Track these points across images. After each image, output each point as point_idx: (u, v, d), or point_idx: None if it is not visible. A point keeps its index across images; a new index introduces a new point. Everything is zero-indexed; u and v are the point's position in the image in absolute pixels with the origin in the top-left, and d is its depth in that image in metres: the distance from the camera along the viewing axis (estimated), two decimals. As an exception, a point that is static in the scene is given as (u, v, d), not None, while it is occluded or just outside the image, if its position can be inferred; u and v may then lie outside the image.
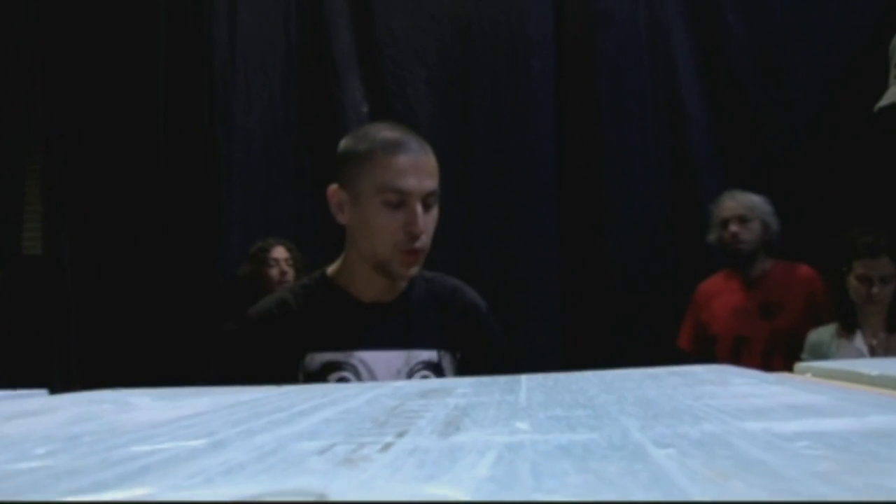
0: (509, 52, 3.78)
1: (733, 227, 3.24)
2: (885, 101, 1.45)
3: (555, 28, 3.88)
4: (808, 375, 0.95)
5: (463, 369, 1.60)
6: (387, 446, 0.46)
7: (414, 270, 1.56)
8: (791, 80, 3.69)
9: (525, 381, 0.97)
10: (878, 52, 3.47)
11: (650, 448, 0.41)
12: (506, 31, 3.86)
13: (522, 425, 0.53)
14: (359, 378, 1.50)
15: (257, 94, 3.80)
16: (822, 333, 2.86)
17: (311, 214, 3.72)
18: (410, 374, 1.54)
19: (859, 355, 2.71)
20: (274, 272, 3.28)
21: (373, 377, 1.51)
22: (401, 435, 0.51)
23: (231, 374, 1.57)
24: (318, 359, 1.51)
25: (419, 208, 1.51)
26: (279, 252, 3.33)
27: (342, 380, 1.49)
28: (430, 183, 1.53)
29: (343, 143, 1.62)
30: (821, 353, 2.82)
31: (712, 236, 3.34)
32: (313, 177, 3.74)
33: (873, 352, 2.71)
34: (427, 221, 1.52)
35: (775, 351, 3.06)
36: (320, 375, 1.50)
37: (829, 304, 3.02)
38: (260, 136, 3.79)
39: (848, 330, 2.80)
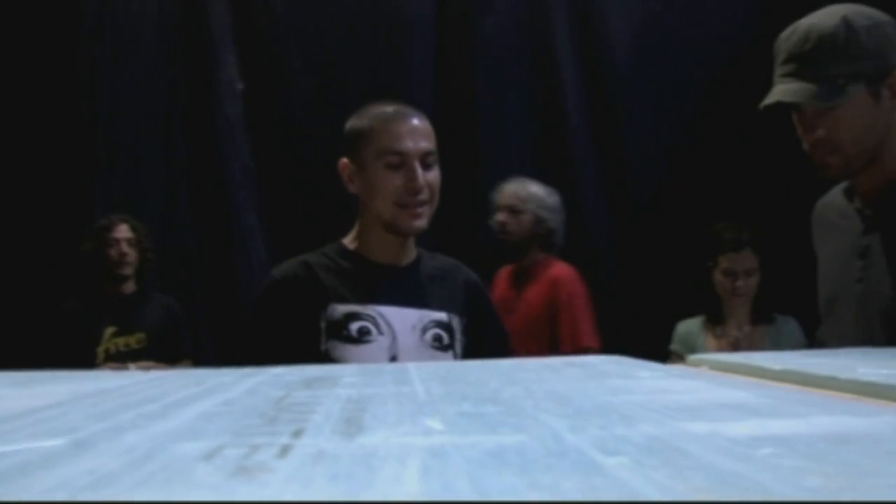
0: (389, 32, 3.70)
1: (501, 217, 3.11)
2: (769, 99, 1.46)
3: (435, 10, 3.83)
4: (704, 368, 0.93)
5: (467, 336, 1.72)
6: (284, 450, 0.39)
7: (421, 223, 1.66)
8: (667, 76, 3.76)
9: (414, 369, 0.91)
10: (753, 53, 3.60)
11: (596, 455, 0.35)
12: (386, 11, 3.78)
13: (434, 423, 0.47)
14: (378, 329, 1.61)
15: (128, 68, 3.59)
16: (691, 324, 2.93)
17: (183, 190, 3.55)
18: (424, 331, 1.65)
19: (727, 346, 2.78)
20: (113, 252, 3.08)
21: (391, 329, 1.62)
22: (297, 434, 0.44)
23: (259, 332, 1.69)
24: (340, 309, 1.62)
25: (418, 167, 1.63)
26: (122, 231, 3.13)
27: (363, 329, 1.61)
28: (427, 144, 1.66)
29: (348, 123, 1.75)
30: (690, 344, 2.89)
31: (491, 221, 3.20)
32: (186, 153, 3.57)
33: (738, 344, 2.80)
34: (428, 178, 1.65)
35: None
36: (342, 324, 1.61)
37: (576, 308, 3.01)
38: (131, 110, 3.58)
39: (715, 323, 2.88)
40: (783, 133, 2.95)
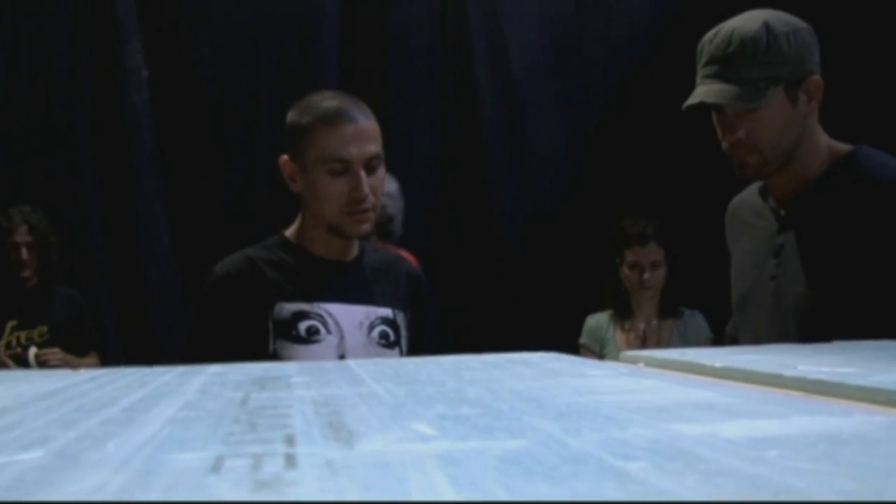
0: (298, 21, 3.64)
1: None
2: (693, 99, 1.51)
3: (344, 4, 3.78)
4: (641, 365, 0.95)
5: (410, 331, 1.70)
6: (290, 460, 0.38)
7: (366, 228, 1.63)
8: (576, 73, 3.81)
9: (357, 367, 0.90)
10: (661, 52, 3.69)
11: (614, 461, 0.36)
12: (297, 2, 3.72)
13: (423, 428, 0.46)
14: (326, 328, 1.58)
15: (31, 54, 3.42)
16: (599, 318, 3.00)
17: (88, 179, 3.41)
18: (371, 329, 1.63)
19: (635, 340, 2.86)
20: (12, 256, 2.96)
21: (339, 328, 1.59)
22: (290, 442, 0.43)
23: (203, 333, 1.62)
24: (287, 308, 1.58)
25: (362, 173, 1.58)
26: (21, 234, 2.98)
27: (311, 328, 1.57)
28: (372, 148, 1.60)
29: (289, 116, 1.67)
30: (599, 337, 2.96)
31: None
32: (91, 141, 3.42)
33: (646, 337, 2.88)
34: (372, 183, 1.60)
35: None
36: (290, 324, 1.57)
37: None
38: (34, 97, 3.42)
39: (623, 316, 2.95)
40: (690, 130, 3.05)
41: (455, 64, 3.82)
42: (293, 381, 0.76)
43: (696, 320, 2.92)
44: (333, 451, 0.40)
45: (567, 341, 2.95)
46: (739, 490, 0.30)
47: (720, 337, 2.79)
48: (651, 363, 0.95)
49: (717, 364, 0.81)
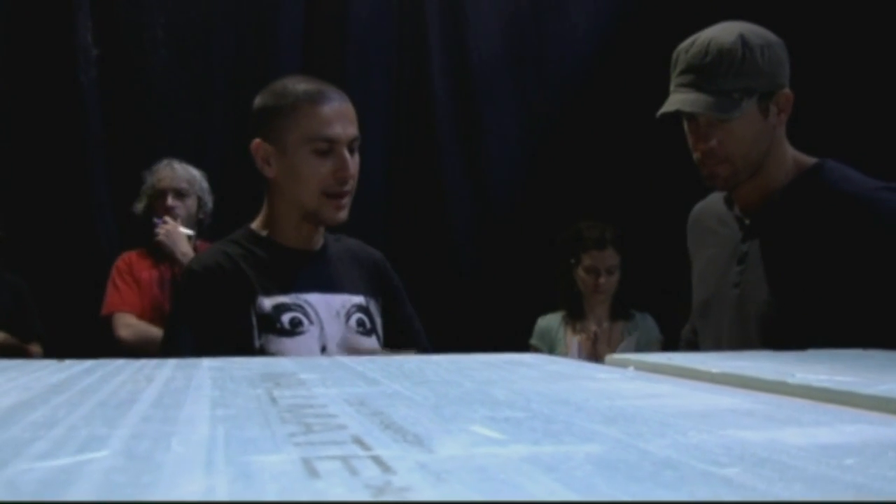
0: (255, 9, 3.59)
1: (170, 201, 2.98)
2: (668, 107, 1.53)
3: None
4: (631, 368, 0.97)
5: (383, 318, 1.69)
6: (379, 462, 0.38)
7: (343, 215, 1.62)
8: (533, 72, 3.84)
9: (356, 364, 0.90)
10: (618, 53, 3.74)
11: (706, 466, 0.37)
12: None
13: (486, 431, 0.47)
14: (308, 319, 1.57)
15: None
16: (551, 320, 3.03)
17: (31, 160, 3.30)
18: (348, 317, 1.62)
19: (586, 342, 2.89)
20: None
21: (318, 318, 1.58)
22: (362, 444, 0.42)
23: (187, 328, 1.58)
24: (267, 302, 1.56)
25: (346, 153, 1.58)
26: None
27: (295, 320, 1.56)
28: (354, 129, 1.61)
29: (261, 99, 1.65)
30: (549, 339, 2.99)
31: (140, 205, 3.06)
32: (37, 120, 3.32)
33: (597, 338, 2.91)
34: (353, 167, 1.59)
35: None
36: (273, 317, 1.55)
37: None
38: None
39: (575, 318, 2.98)
40: (643, 132, 3.08)
41: (411, 60, 3.82)
42: (304, 377, 0.75)
43: (647, 323, 2.98)
44: (416, 454, 0.40)
45: (517, 341, 2.98)
46: (849, 496, 0.31)
47: (670, 340, 2.86)
48: (641, 367, 0.96)
49: (714, 370, 0.83)
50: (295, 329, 1.55)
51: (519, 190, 3.81)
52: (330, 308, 1.60)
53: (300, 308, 1.57)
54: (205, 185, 3.08)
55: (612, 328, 2.95)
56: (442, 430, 0.47)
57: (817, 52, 2.80)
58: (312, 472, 0.35)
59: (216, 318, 1.54)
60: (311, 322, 1.57)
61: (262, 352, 1.51)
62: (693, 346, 1.79)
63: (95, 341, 2.84)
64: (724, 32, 1.50)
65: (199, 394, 0.62)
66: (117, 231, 3.35)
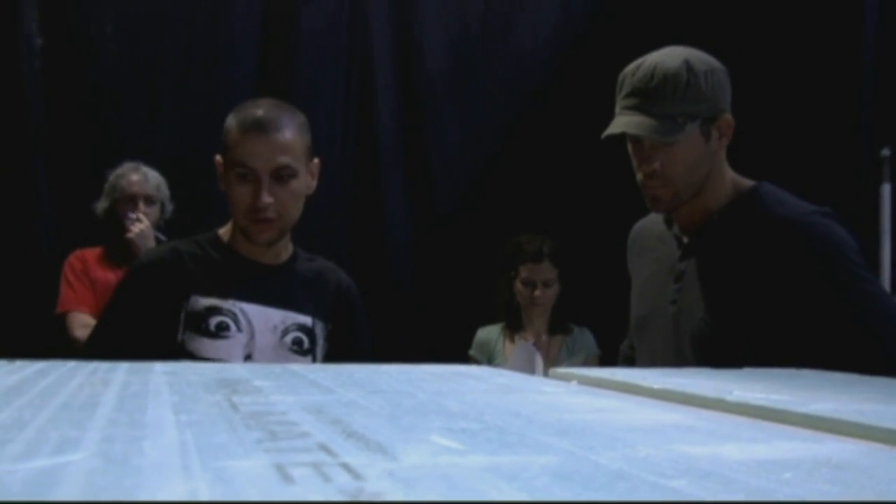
0: (208, 9, 3.57)
1: (142, 207, 2.97)
2: (614, 129, 1.58)
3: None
4: (574, 382, 1.00)
5: (332, 342, 1.73)
6: (349, 470, 0.39)
7: (268, 237, 1.66)
8: (477, 88, 3.89)
9: (307, 372, 0.91)
10: (561, 71, 3.80)
11: (655, 479, 0.39)
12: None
13: (445, 441, 0.49)
14: (237, 325, 1.61)
15: None
16: (490, 332, 3.07)
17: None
18: (285, 333, 1.66)
19: (526, 354, 2.93)
20: None
21: (250, 327, 1.63)
22: (329, 452, 0.44)
23: (118, 314, 1.66)
24: (201, 301, 1.62)
25: (266, 183, 1.62)
26: None
27: (221, 324, 1.60)
28: (283, 159, 1.63)
29: (228, 117, 1.72)
30: (489, 350, 3.02)
31: (103, 206, 3.04)
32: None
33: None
34: (279, 193, 1.63)
35: None
36: (202, 317, 1.60)
37: None
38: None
39: (513, 330, 3.03)
40: (589, 152, 3.14)
41: (359, 73, 3.83)
42: (259, 384, 0.76)
43: (585, 337, 3.03)
44: (381, 462, 0.42)
45: (456, 352, 3.01)
46: (789, 510, 0.34)
47: (608, 355, 2.92)
48: (584, 381, 0.99)
49: (655, 386, 0.86)
50: (219, 333, 1.60)
51: (461, 204, 3.85)
52: (267, 321, 1.65)
53: (232, 314, 1.63)
54: (167, 191, 3.08)
55: (550, 341, 3.00)
56: (402, 440, 0.49)
57: (757, 75, 2.90)
58: (287, 478, 0.37)
59: (146, 309, 1.62)
60: (238, 329, 1.63)
61: (182, 347, 1.57)
62: (630, 361, 1.84)
63: (34, 340, 2.79)
64: (669, 58, 1.55)
65: (158, 399, 0.63)
66: (57, 228, 3.30)
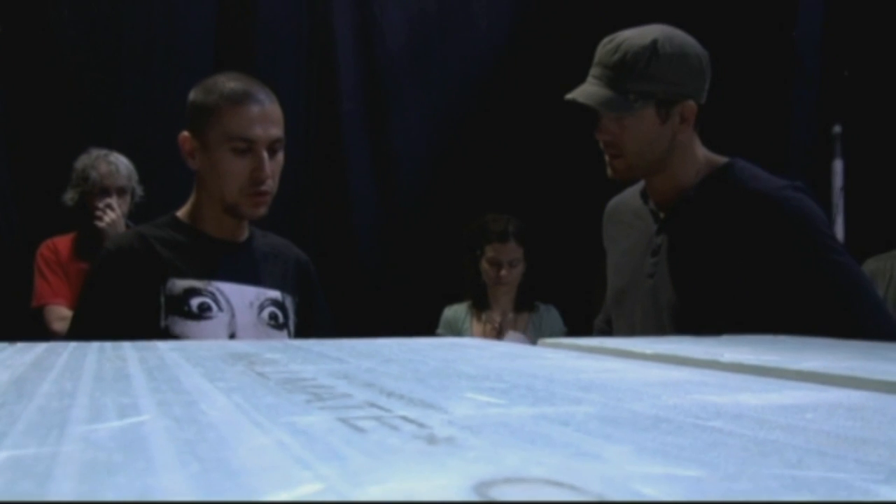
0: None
1: (116, 199, 2.97)
2: (571, 95, 1.62)
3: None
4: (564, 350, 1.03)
5: (298, 316, 1.74)
6: (414, 422, 0.42)
7: (262, 211, 1.68)
8: (439, 69, 3.90)
9: (312, 346, 0.93)
10: (522, 53, 3.82)
11: (694, 420, 0.42)
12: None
13: (483, 398, 0.51)
14: (218, 305, 1.62)
15: None
16: (457, 310, 3.10)
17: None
18: (261, 309, 1.67)
19: (491, 331, 2.98)
20: None
21: (230, 306, 1.63)
22: (383, 408, 0.46)
23: (94, 305, 1.64)
24: (179, 284, 1.61)
25: (265, 155, 1.63)
26: None
27: (203, 305, 1.61)
28: (276, 131, 1.65)
29: (192, 94, 1.68)
30: (456, 328, 3.06)
31: (72, 196, 3.00)
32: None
33: (502, 329, 3.00)
34: (273, 166, 1.65)
35: None
36: (182, 299, 1.60)
37: None
38: None
39: (480, 308, 3.07)
40: (553, 131, 3.18)
41: (320, 56, 3.82)
42: (271, 357, 0.78)
43: (551, 314, 3.08)
44: (436, 415, 0.44)
45: (423, 331, 3.03)
46: (822, 440, 0.38)
47: (573, 332, 2.97)
48: (573, 349, 1.03)
49: (648, 351, 0.90)
50: (202, 314, 1.60)
51: (425, 185, 3.87)
52: (243, 298, 1.66)
53: (211, 294, 1.63)
54: (136, 177, 3.06)
55: (516, 318, 3.05)
56: (442, 397, 0.51)
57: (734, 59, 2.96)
58: (358, 429, 0.39)
59: (122, 297, 1.61)
60: (220, 309, 1.63)
61: (167, 332, 1.57)
62: (606, 335, 1.88)
63: (7, 333, 2.75)
64: (640, 36, 1.59)
65: (185, 370, 0.65)
66: (20, 218, 3.25)
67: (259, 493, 0.27)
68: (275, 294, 1.71)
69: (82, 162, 2.99)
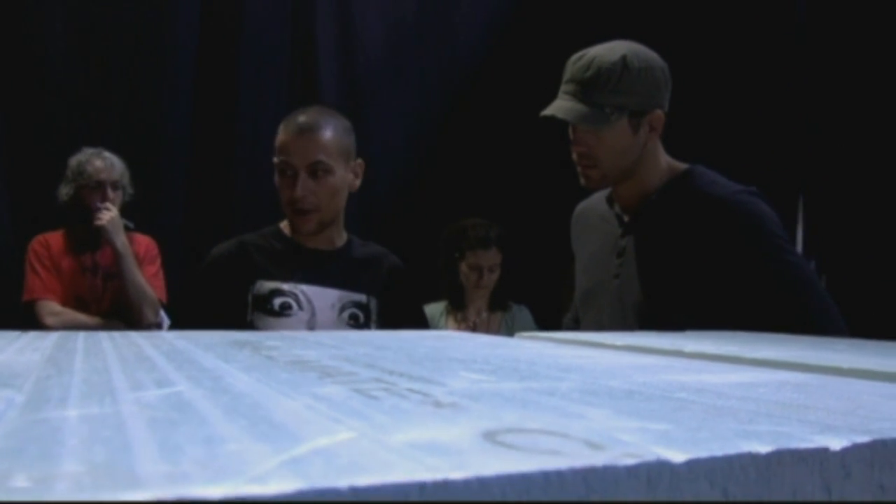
0: (152, 8, 3.57)
1: (110, 194, 3.00)
2: (548, 111, 1.69)
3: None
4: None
5: (385, 317, 1.88)
6: (423, 394, 0.48)
7: (308, 228, 1.85)
8: (418, 76, 3.96)
9: (308, 336, 0.99)
10: (499, 59, 3.89)
11: (670, 393, 0.49)
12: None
13: (474, 376, 0.58)
14: (298, 305, 1.80)
15: None
16: (434, 309, 3.15)
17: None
18: (342, 310, 1.83)
19: (466, 330, 3.04)
20: None
21: (311, 306, 1.81)
22: (390, 384, 0.52)
23: (195, 303, 1.90)
24: (266, 285, 1.81)
25: (302, 178, 1.80)
26: None
27: (284, 304, 1.80)
28: (318, 155, 1.80)
29: None
30: (433, 327, 3.11)
31: (66, 192, 3.02)
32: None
33: (477, 328, 3.06)
34: (314, 187, 1.81)
35: None
36: (267, 299, 1.80)
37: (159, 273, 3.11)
38: None
39: (456, 308, 3.12)
40: (526, 137, 3.25)
41: (302, 62, 3.87)
42: (272, 344, 0.84)
43: (524, 314, 3.15)
44: (437, 388, 0.50)
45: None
46: (775, 409, 0.44)
47: (543, 330, 3.03)
48: (550, 341, 1.09)
49: (618, 342, 0.97)
50: (283, 311, 1.79)
51: (402, 189, 3.92)
52: (325, 300, 1.83)
53: (293, 295, 1.81)
54: (127, 175, 3.10)
55: (490, 318, 3.11)
56: (438, 375, 0.57)
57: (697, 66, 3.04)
58: (372, 397, 0.45)
59: (218, 296, 1.83)
60: (300, 308, 1.81)
61: (252, 325, 1.77)
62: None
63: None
64: (609, 52, 1.67)
65: (198, 354, 0.70)
66: (12, 226, 3.26)
67: (305, 440, 0.33)
68: (359, 297, 1.87)
69: (77, 158, 3.03)
